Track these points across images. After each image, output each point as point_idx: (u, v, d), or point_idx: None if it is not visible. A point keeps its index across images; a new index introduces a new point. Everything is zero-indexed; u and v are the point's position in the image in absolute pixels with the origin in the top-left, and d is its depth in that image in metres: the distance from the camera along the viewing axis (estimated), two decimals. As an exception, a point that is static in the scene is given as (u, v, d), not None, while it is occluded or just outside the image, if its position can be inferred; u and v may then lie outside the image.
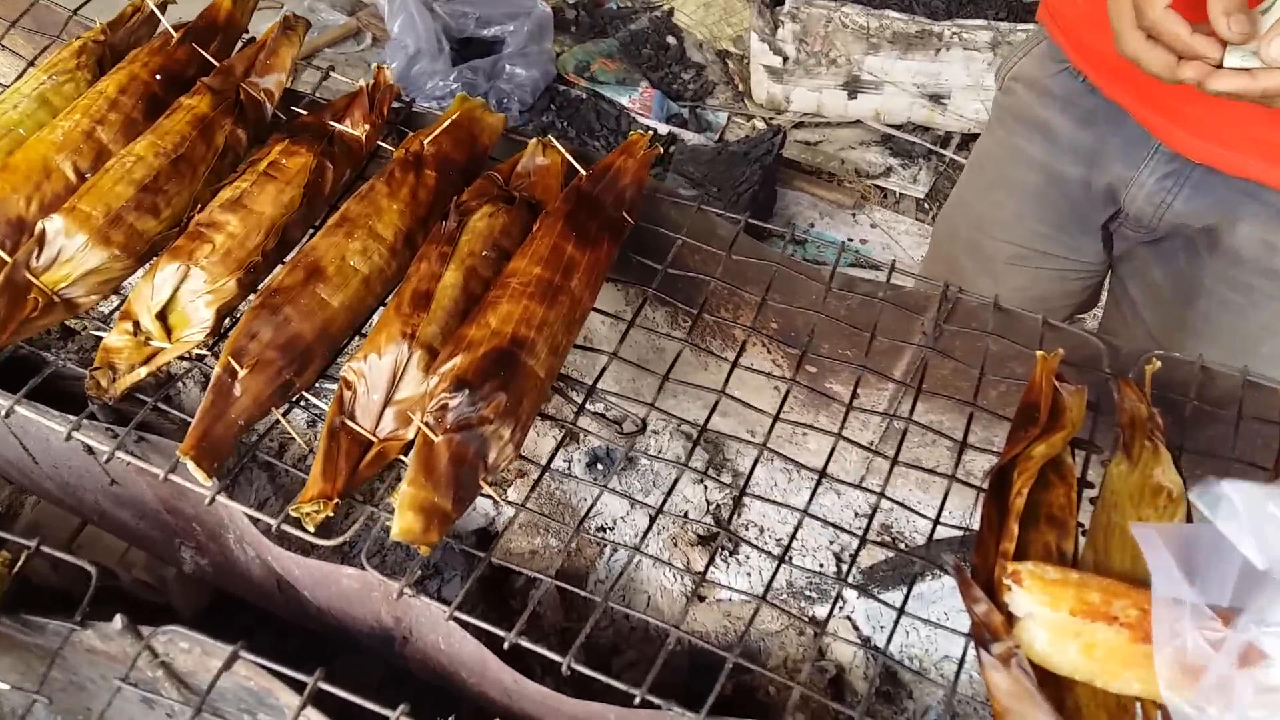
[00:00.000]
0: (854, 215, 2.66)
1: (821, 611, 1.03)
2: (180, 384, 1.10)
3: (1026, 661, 0.67)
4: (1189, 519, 0.75)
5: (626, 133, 2.73)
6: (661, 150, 1.00)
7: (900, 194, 2.69)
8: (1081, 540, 0.78)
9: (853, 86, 2.78)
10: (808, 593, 1.05)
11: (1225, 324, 1.14)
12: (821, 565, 1.09)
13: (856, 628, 1.03)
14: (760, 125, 2.86)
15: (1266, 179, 1.01)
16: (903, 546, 1.08)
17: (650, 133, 1.03)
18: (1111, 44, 0.85)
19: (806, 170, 2.74)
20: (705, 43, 3.13)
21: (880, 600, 0.79)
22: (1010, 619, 0.70)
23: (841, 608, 1.05)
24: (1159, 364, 0.86)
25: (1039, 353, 0.83)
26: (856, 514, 1.15)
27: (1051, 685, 0.68)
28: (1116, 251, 1.25)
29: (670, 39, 3.11)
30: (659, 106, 2.85)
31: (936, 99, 2.73)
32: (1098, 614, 0.68)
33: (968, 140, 2.77)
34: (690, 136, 2.73)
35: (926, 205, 2.67)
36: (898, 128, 2.81)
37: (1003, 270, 1.28)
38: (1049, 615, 0.68)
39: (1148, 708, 0.68)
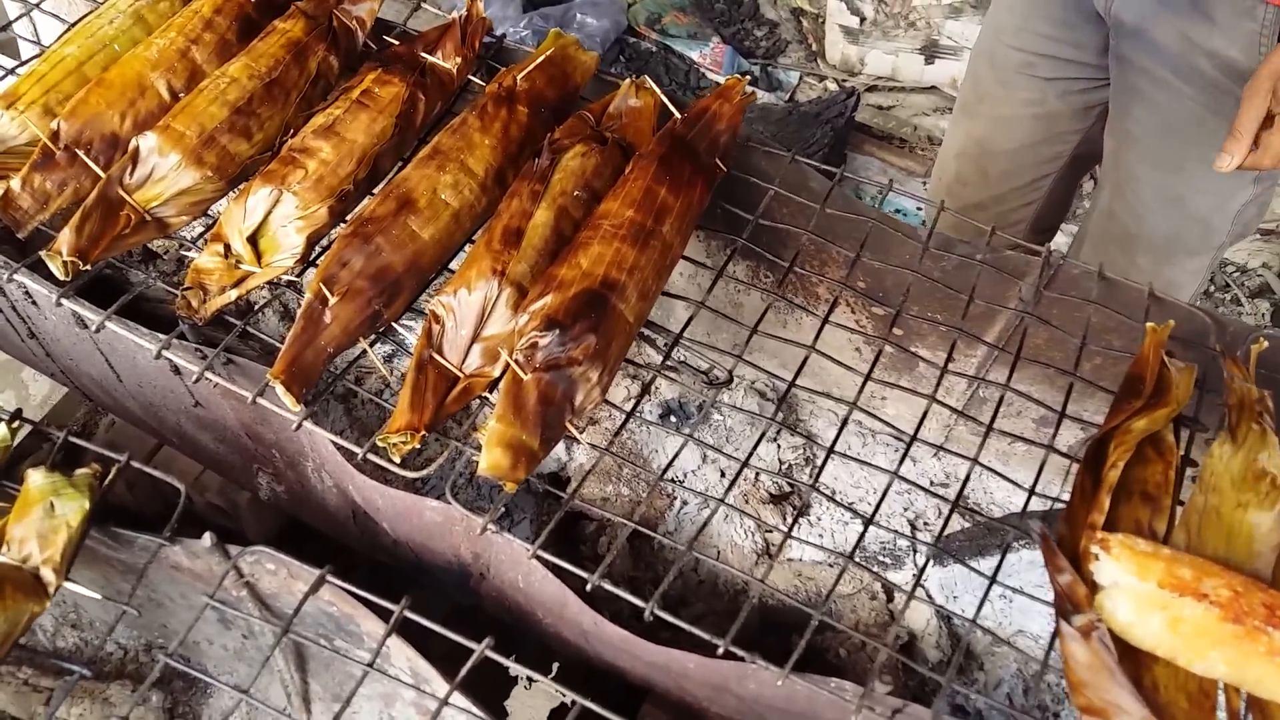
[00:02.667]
0: (924, 183, 2.60)
1: (896, 577, 1.02)
2: (260, 312, 1.10)
3: (1108, 635, 0.65)
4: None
5: (696, 88, 2.69)
6: (757, 96, 0.97)
7: (973, 163, 2.62)
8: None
9: (930, 51, 2.71)
10: (881, 558, 1.04)
11: (1152, 128, 1.22)
12: (896, 530, 1.08)
13: (930, 596, 1.01)
14: (832, 87, 2.80)
15: None
16: (981, 517, 1.06)
17: (748, 76, 1.00)
18: None
19: (878, 135, 2.68)
20: (780, -1, 3.06)
21: (970, 568, 0.77)
22: (1094, 590, 0.67)
23: (917, 574, 1.03)
24: (1266, 343, 0.82)
25: (1149, 325, 0.80)
26: (932, 481, 1.12)
27: (1130, 662, 0.66)
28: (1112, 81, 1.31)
29: (744, -6, 3.05)
30: (729, 62, 2.79)
31: (1017, 66, 2.65)
32: (1187, 589, 0.65)
33: (1047, 111, 2.69)
34: (761, 94, 2.68)
35: (1000, 176, 2.60)
36: (975, 95, 2.73)
37: (1014, 79, 1.37)
38: (1136, 585, 0.66)
39: (1230, 694, 0.66)
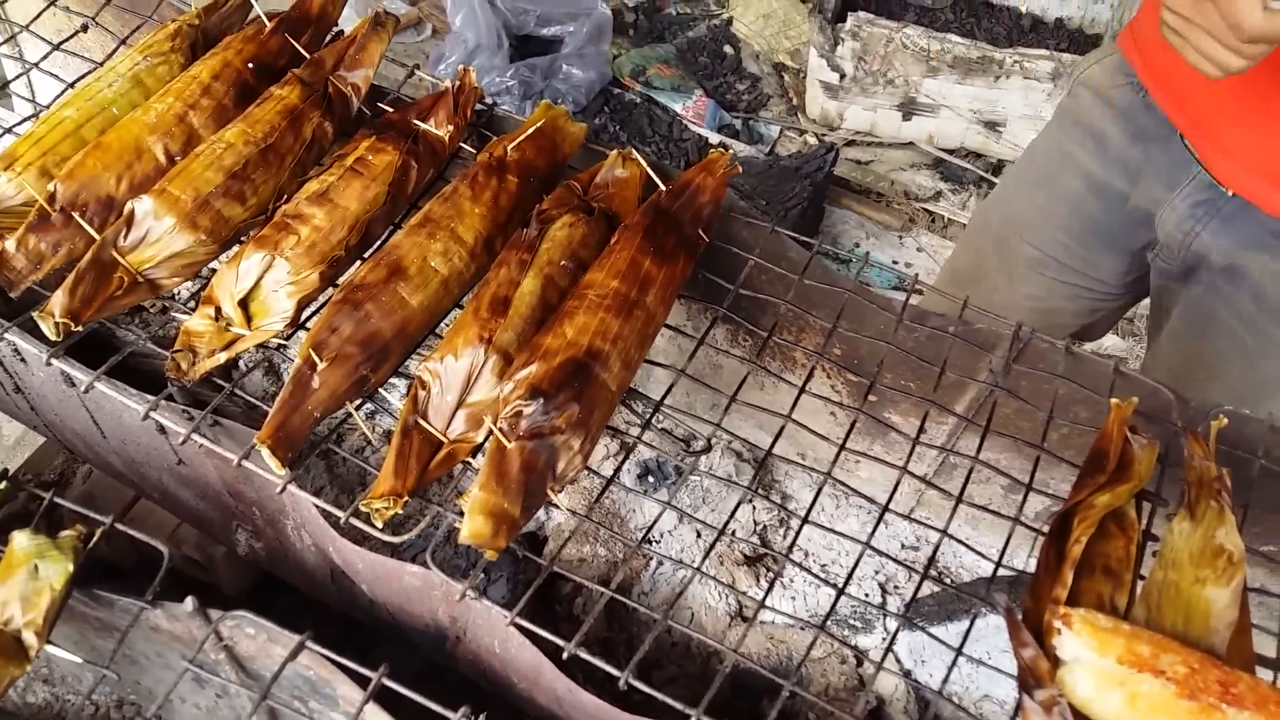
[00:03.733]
0: (900, 237, 2.66)
1: (865, 641, 1.03)
2: (250, 373, 1.12)
3: (1069, 710, 0.67)
4: (1245, 587, 0.75)
5: (678, 139, 2.73)
6: (741, 170, 1.01)
7: (948, 219, 2.68)
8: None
9: (908, 108, 2.77)
10: (852, 621, 1.05)
11: (1237, 367, 1.16)
12: (867, 595, 1.09)
13: (899, 660, 1.03)
14: (812, 141, 2.85)
15: None
16: (949, 583, 1.08)
17: (731, 151, 1.03)
18: (1177, 65, 0.87)
19: (856, 189, 2.74)
20: (762, 54, 3.13)
21: (933, 636, 0.79)
22: (1057, 664, 0.69)
23: (885, 640, 1.05)
24: (1225, 420, 0.85)
25: (1114, 400, 0.83)
26: (903, 545, 1.14)
27: (1090, 737, 0.68)
28: (1152, 286, 1.27)
29: (728, 48, 3.11)
30: (712, 115, 2.85)
31: (992, 126, 2.72)
32: (1145, 665, 0.68)
33: (1020, 170, 2.75)
34: (741, 148, 2.73)
35: (975, 233, 2.66)
36: (950, 152, 2.80)
37: (1021, 273, 1.31)
38: (1096, 661, 0.68)
39: None
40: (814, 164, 2.56)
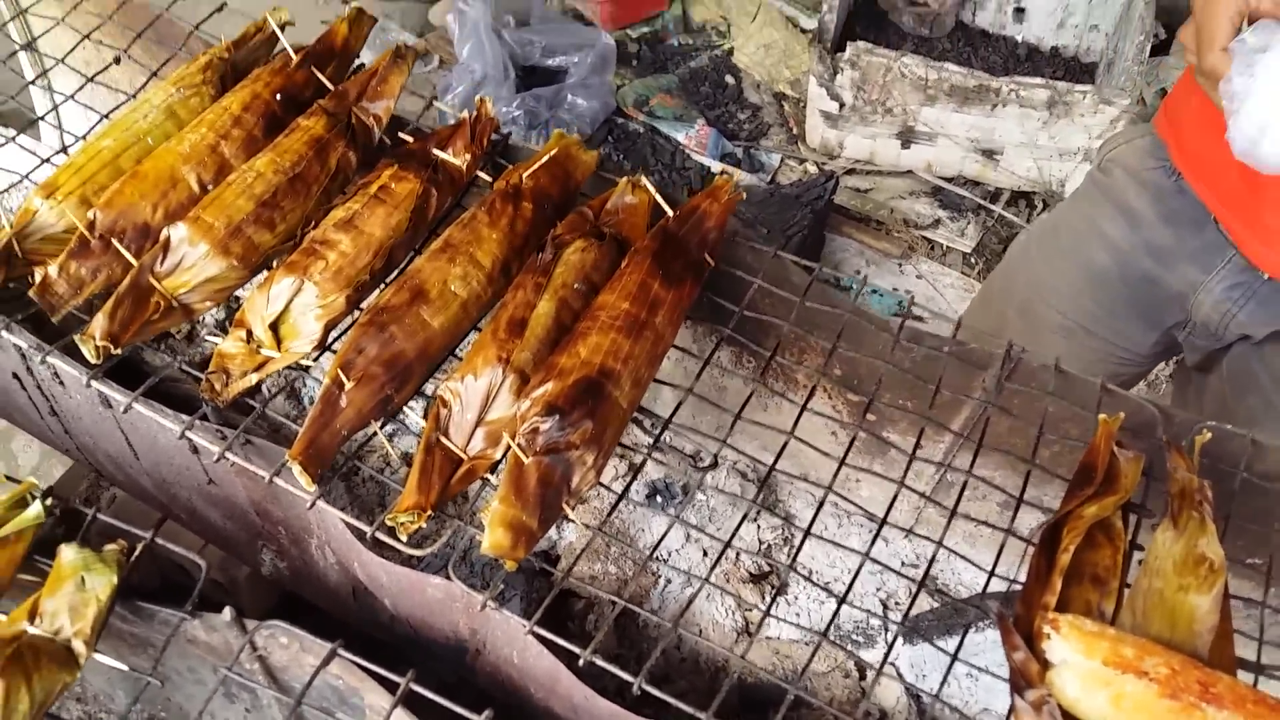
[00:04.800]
0: (900, 265, 2.70)
1: (868, 655, 1.07)
2: (265, 390, 1.16)
3: (1058, 709, 0.70)
4: (1227, 593, 0.78)
5: (681, 168, 2.79)
6: (744, 196, 1.05)
7: (947, 247, 2.73)
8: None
9: (907, 136, 2.83)
10: (854, 636, 1.09)
11: (1267, 428, 1.16)
12: (869, 610, 1.13)
13: (900, 674, 1.06)
14: (812, 169, 2.91)
15: None
16: (948, 597, 1.12)
17: (734, 178, 1.07)
18: (1211, 149, 0.89)
19: (856, 217, 2.78)
20: (763, 84, 3.19)
21: (935, 645, 0.83)
22: (1047, 667, 0.73)
23: (887, 653, 1.08)
24: (1209, 435, 0.89)
25: (1101, 416, 0.87)
26: (904, 562, 1.18)
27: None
28: (1185, 351, 1.28)
29: (729, 78, 3.17)
30: (714, 144, 2.90)
31: (989, 154, 2.77)
32: (1129, 667, 0.71)
33: (1017, 197, 2.80)
34: (743, 176, 2.78)
35: (973, 260, 2.71)
36: (949, 180, 2.85)
37: (1047, 338, 1.31)
38: (1082, 663, 0.72)
39: None
40: (814, 192, 2.61)
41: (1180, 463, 0.86)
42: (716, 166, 2.80)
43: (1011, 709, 0.71)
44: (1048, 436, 0.96)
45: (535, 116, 2.78)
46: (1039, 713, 0.69)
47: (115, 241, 0.91)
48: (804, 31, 3.32)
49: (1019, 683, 0.72)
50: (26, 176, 1.05)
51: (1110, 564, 0.80)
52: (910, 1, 3.05)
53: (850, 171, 2.89)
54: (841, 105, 2.82)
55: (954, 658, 0.80)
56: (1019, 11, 3.00)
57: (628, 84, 3.07)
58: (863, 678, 1.06)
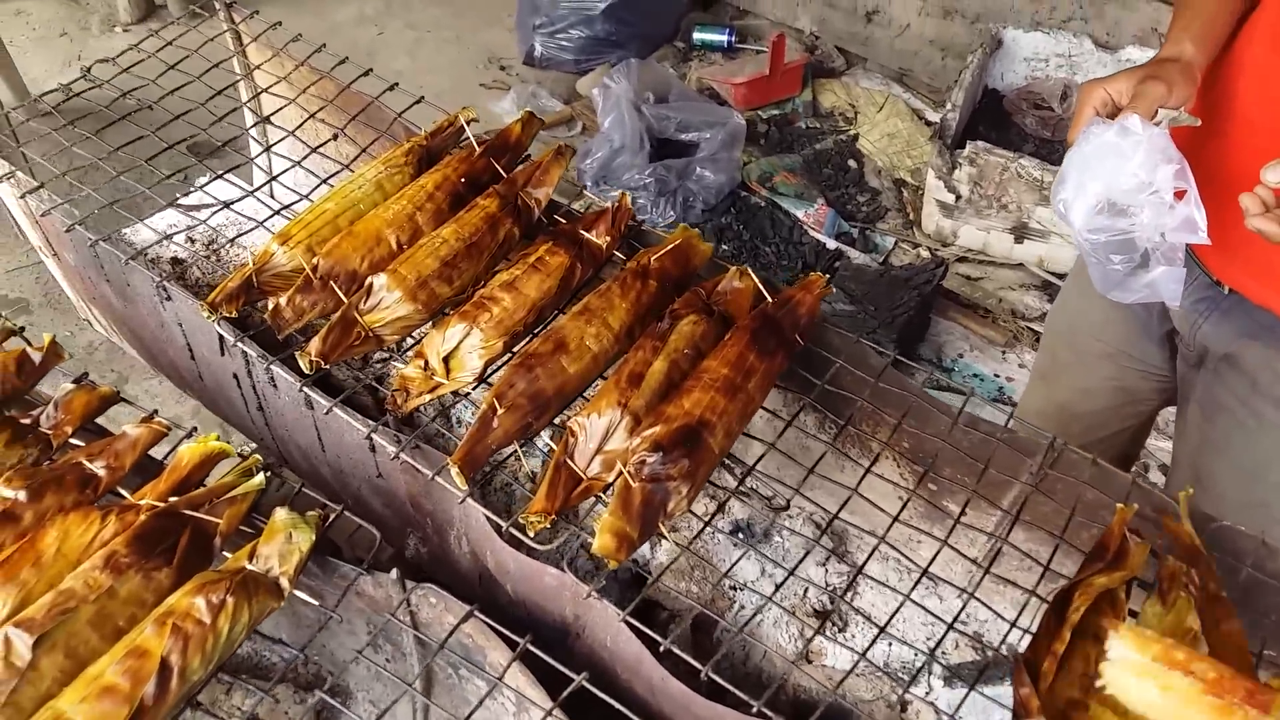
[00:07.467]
0: (1004, 353, 2.80)
1: (912, 691, 1.22)
2: (423, 410, 1.40)
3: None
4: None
5: (798, 243, 2.97)
6: (834, 290, 1.24)
7: (1049, 338, 2.82)
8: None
9: (1020, 231, 2.94)
10: (900, 674, 1.24)
11: (1238, 444, 1.31)
12: (916, 655, 1.28)
13: (938, 711, 1.21)
14: (925, 254, 3.05)
15: None
16: (985, 646, 1.26)
17: (827, 277, 1.27)
18: None
19: (963, 303, 2.90)
20: (884, 170, 3.36)
21: (975, 689, 0.98)
22: (1088, 692, 0.88)
23: (928, 692, 1.23)
24: (1191, 490, 1.05)
25: (1119, 505, 1.02)
26: (955, 618, 1.33)
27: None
28: (1178, 375, 1.43)
29: (851, 162, 3.35)
30: (831, 223, 3.08)
31: (1098, 255, 2.86)
32: (1178, 665, 0.85)
33: (1123, 298, 2.88)
34: (856, 255, 2.95)
35: (1073, 353, 2.79)
36: (1059, 276, 2.94)
37: (1094, 362, 1.50)
38: (1136, 658, 0.87)
39: None
40: (924, 276, 2.75)
41: (1171, 562, 0.99)
42: (832, 244, 2.96)
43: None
44: (1083, 520, 1.10)
45: (665, 185, 3.02)
46: None
47: (332, 283, 1.16)
48: (928, 123, 3.48)
49: (1019, 712, 0.88)
50: (263, 224, 1.33)
51: (1110, 628, 0.95)
52: (1035, 105, 3.18)
53: (963, 259, 3.01)
54: (958, 197, 2.96)
55: (971, 687, 0.96)
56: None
57: (754, 160, 3.29)
58: (903, 710, 1.21)
